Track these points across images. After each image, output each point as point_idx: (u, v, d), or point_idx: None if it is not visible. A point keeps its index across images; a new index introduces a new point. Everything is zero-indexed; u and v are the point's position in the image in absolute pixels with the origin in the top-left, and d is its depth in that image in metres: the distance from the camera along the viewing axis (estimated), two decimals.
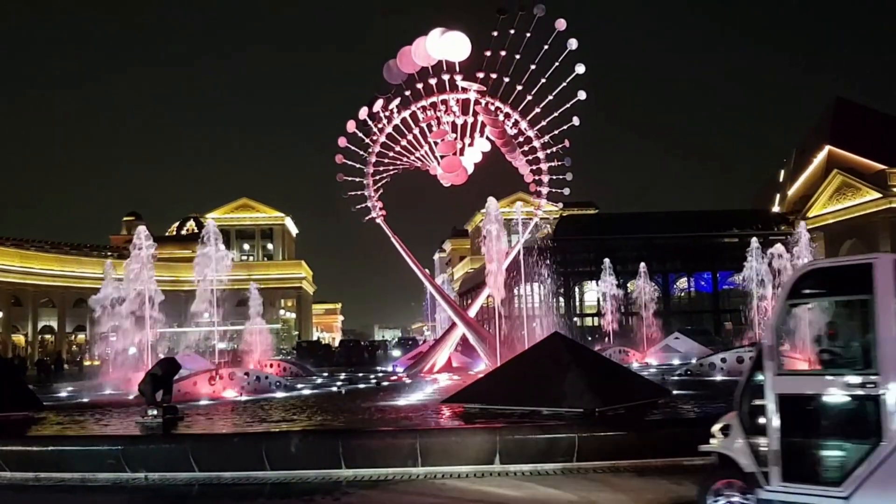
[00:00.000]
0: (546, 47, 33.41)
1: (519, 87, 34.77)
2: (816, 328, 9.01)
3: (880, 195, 69.99)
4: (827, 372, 8.08)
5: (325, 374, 37.90)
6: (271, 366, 36.47)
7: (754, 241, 38.38)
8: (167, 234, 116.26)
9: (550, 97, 34.91)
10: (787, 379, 8.09)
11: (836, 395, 7.81)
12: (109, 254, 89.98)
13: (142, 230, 30.65)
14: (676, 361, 35.61)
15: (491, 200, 32.81)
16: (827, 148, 78.65)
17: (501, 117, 35.41)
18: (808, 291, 8.48)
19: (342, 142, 37.38)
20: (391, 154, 37.49)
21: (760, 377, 8.15)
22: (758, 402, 8.14)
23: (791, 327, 8.51)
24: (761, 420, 8.04)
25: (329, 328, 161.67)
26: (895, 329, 7.47)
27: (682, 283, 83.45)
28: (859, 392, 7.55)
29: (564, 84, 34.34)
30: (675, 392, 21.02)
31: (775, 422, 7.89)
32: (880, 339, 7.50)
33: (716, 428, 8.72)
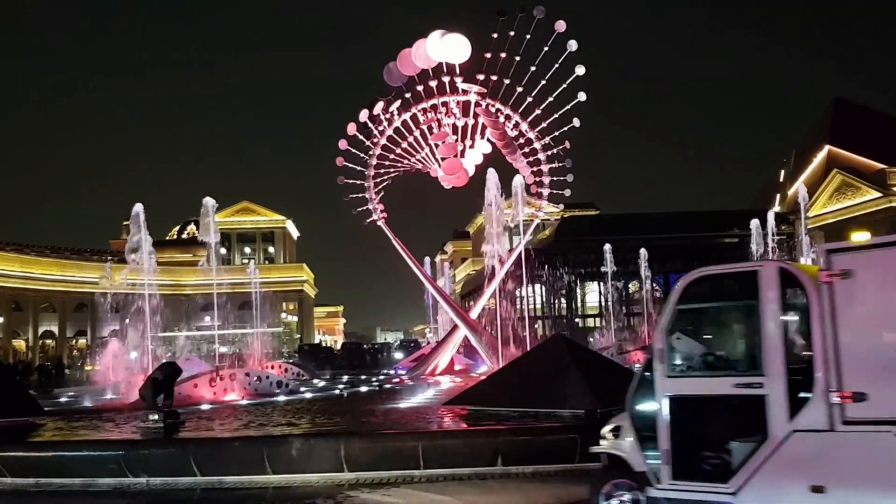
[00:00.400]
0: (546, 49, 33.43)
1: (519, 89, 34.78)
2: (705, 332, 9.31)
3: (880, 194, 70.02)
4: (715, 374, 8.39)
5: (328, 377, 37.88)
6: (272, 367, 36.46)
7: (754, 223, 38.32)
8: (168, 238, 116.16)
9: (551, 98, 34.92)
10: (677, 381, 8.35)
11: (724, 395, 8.11)
12: (110, 258, 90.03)
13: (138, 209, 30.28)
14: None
15: (491, 172, 33.05)
16: (827, 147, 78.65)
17: (502, 119, 35.40)
18: (696, 296, 8.75)
19: (343, 144, 37.37)
20: (392, 156, 37.48)
21: (651, 379, 8.42)
22: (648, 403, 8.42)
23: (680, 331, 8.70)
24: (652, 421, 8.29)
25: (331, 331, 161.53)
26: (780, 333, 7.76)
27: None
28: (746, 393, 7.82)
29: (565, 85, 34.36)
30: None
31: (665, 422, 8.17)
32: (766, 343, 7.79)
33: (606, 430, 9.00)
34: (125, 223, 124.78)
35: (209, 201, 30.48)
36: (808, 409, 7.49)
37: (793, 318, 8.08)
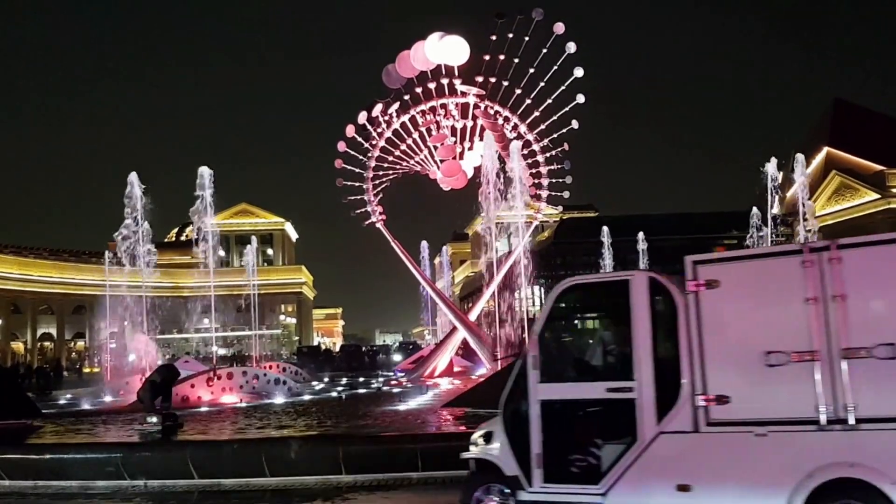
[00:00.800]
0: (545, 51, 33.47)
1: (518, 91, 34.81)
2: (578, 338, 9.75)
3: (879, 196, 70.06)
4: (588, 379, 8.83)
5: (326, 380, 37.86)
6: (269, 367, 36.45)
7: (755, 210, 38.42)
8: (166, 239, 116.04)
9: (549, 100, 34.95)
10: (550, 386, 8.55)
11: (595, 400, 8.46)
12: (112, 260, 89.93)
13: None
14: None
15: (488, 135, 33.02)
16: (825, 149, 78.64)
17: (501, 121, 35.42)
18: (569, 305, 9.17)
19: (341, 146, 37.37)
20: (391, 158, 37.48)
21: (524, 385, 8.58)
22: (521, 408, 8.57)
23: (553, 338, 9.04)
24: (524, 425, 8.47)
25: (330, 333, 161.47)
26: (649, 340, 8.12)
27: None
28: (617, 397, 8.15)
29: (563, 87, 34.40)
30: None
31: (538, 427, 8.39)
32: (636, 349, 8.14)
33: (476, 436, 9.16)
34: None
35: (205, 170, 30.48)
36: (675, 412, 7.89)
37: (662, 325, 8.33)
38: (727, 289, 7.87)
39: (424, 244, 61.73)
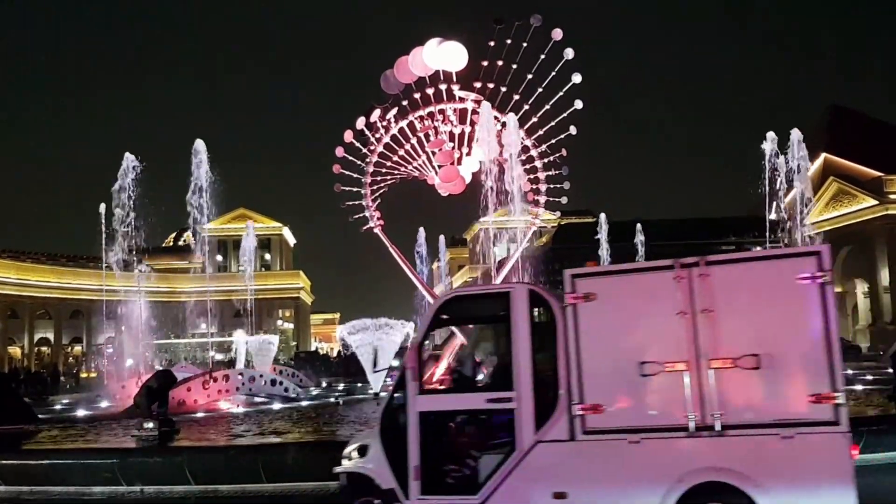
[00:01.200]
0: (543, 57, 33.51)
1: (516, 97, 34.85)
2: (458, 350, 9.81)
3: (877, 202, 70.02)
4: (468, 390, 9.08)
5: (324, 385, 37.78)
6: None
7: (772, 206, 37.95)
8: (164, 245, 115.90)
9: (547, 106, 34.99)
10: (429, 398, 8.66)
11: (475, 411, 8.72)
12: (106, 266, 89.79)
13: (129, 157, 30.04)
14: None
15: (485, 104, 33.02)
16: (823, 155, 78.62)
17: (499, 127, 35.44)
18: (450, 316, 9.27)
19: (339, 152, 37.36)
20: (389, 164, 37.48)
21: (402, 396, 8.65)
22: (399, 420, 8.64)
23: (434, 349, 9.29)
24: (402, 437, 8.50)
25: (328, 338, 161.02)
26: (529, 351, 8.32)
27: None
28: (497, 407, 8.37)
29: (561, 93, 34.44)
30: None
31: (416, 438, 8.44)
32: (516, 360, 8.32)
33: (349, 449, 9.20)
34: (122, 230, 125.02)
35: (199, 144, 30.46)
36: (553, 422, 8.13)
37: (541, 336, 8.53)
38: (604, 301, 8.16)
39: (421, 231, 61.12)
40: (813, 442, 7.51)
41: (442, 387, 9.23)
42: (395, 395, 8.85)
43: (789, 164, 33.63)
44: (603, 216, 51.78)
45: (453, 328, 9.77)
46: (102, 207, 31.42)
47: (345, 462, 9.17)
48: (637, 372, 7.88)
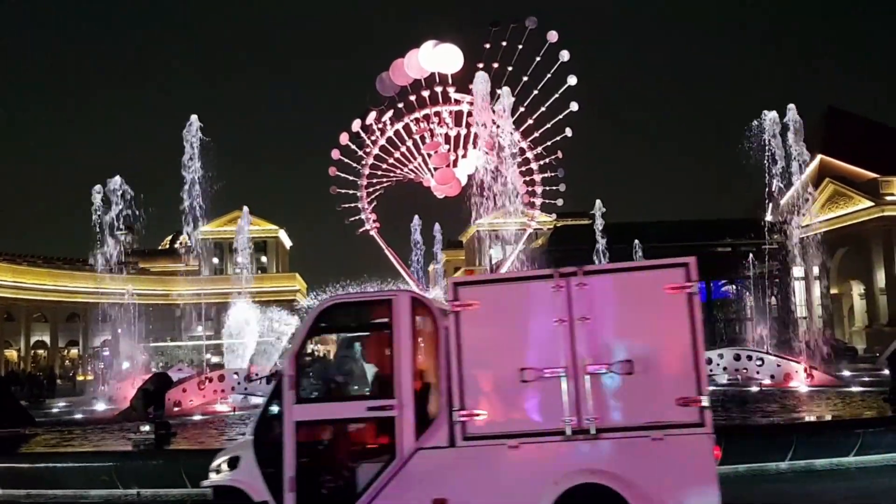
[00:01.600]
0: (538, 59, 33.57)
1: (512, 99, 34.86)
2: (339, 358, 9.71)
3: (873, 203, 70.12)
4: (348, 398, 9.10)
5: None
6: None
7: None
8: (160, 247, 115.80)
9: (543, 108, 35.04)
10: (307, 407, 8.61)
11: (355, 420, 8.73)
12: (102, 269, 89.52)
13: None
14: None
15: (480, 74, 33.09)
16: (819, 157, 78.79)
17: (494, 129, 35.47)
18: (330, 323, 9.18)
19: (336, 154, 37.40)
20: (385, 166, 37.52)
21: (279, 406, 8.55)
22: (275, 430, 8.50)
23: (312, 357, 9.23)
24: (278, 448, 8.36)
25: (323, 341, 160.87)
26: (410, 358, 8.43)
27: None
28: (377, 415, 8.40)
29: (557, 95, 34.49)
30: None
31: (292, 449, 8.34)
32: (397, 368, 8.39)
33: (218, 462, 9.02)
34: (117, 232, 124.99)
35: (193, 118, 30.41)
36: (433, 429, 8.26)
37: (423, 344, 8.71)
38: (486, 310, 8.30)
39: (416, 220, 60.79)
40: (680, 443, 7.88)
41: (321, 395, 9.09)
42: (271, 404, 8.73)
43: (788, 150, 33.15)
44: (599, 205, 51.35)
45: (335, 335, 9.64)
46: (97, 199, 31.22)
47: (213, 475, 9.01)
48: (517, 378, 8.05)
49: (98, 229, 30.15)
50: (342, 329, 9.57)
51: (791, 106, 35.30)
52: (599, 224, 51.06)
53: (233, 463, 8.81)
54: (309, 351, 9.12)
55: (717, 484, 7.86)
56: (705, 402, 7.92)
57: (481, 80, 33.05)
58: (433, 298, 8.97)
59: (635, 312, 8.27)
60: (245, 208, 40.07)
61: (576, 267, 8.29)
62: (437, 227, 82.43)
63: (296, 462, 8.31)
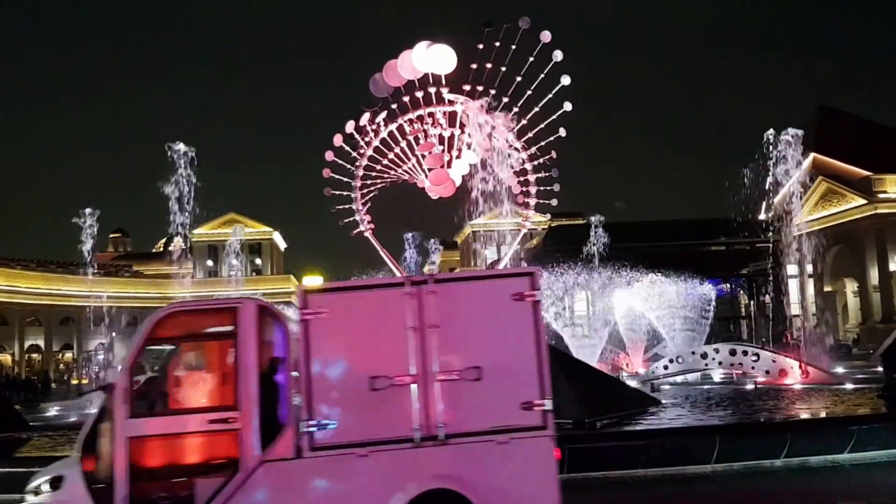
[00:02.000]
0: (532, 59, 33.54)
1: (505, 100, 34.85)
2: (179, 369, 9.09)
3: (865, 201, 70.36)
4: (188, 412, 8.55)
5: None
6: None
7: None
8: (154, 250, 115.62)
9: (537, 109, 35.00)
10: (142, 421, 8.19)
11: (195, 433, 8.27)
12: (96, 272, 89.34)
13: None
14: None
15: (472, 106, 33.12)
16: (812, 155, 78.98)
17: (488, 129, 35.45)
18: (168, 333, 8.72)
19: (329, 156, 37.29)
20: (379, 167, 37.45)
21: (110, 421, 8.09)
22: (105, 447, 8.05)
23: (148, 369, 8.96)
24: (108, 466, 7.92)
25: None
26: (256, 368, 8.22)
27: None
28: (220, 428, 8.10)
29: (550, 95, 34.47)
30: (664, 401, 21.03)
31: (124, 466, 7.90)
32: (241, 378, 8.19)
33: (38, 482, 8.45)
34: (111, 236, 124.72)
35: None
36: (279, 440, 8.11)
37: (270, 353, 8.48)
38: (336, 318, 8.24)
39: (408, 236, 60.77)
40: (524, 446, 8.09)
41: (157, 409, 8.63)
42: (101, 418, 8.23)
43: (781, 164, 33.57)
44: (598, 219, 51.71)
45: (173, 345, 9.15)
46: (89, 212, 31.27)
47: (30, 498, 8.45)
48: (367, 387, 8.03)
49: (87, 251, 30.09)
50: (182, 338, 8.88)
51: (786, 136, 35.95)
52: (599, 236, 51.02)
53: (55, 483, 8.25)
54: (144, 362, 8.86)
55: (558, 484, 8.12)
56: (547, 405, 8.16)
57: (474, 112, 33.20)
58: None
59: (484, 320, 8.38)
60: (237, 226, 39.73)
61: (426, 275, 8.46)
62: (432, 241, 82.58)
63: (128, 481, 7.85)
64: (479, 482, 7.94)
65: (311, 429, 8.04)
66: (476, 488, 7.90)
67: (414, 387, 8.12)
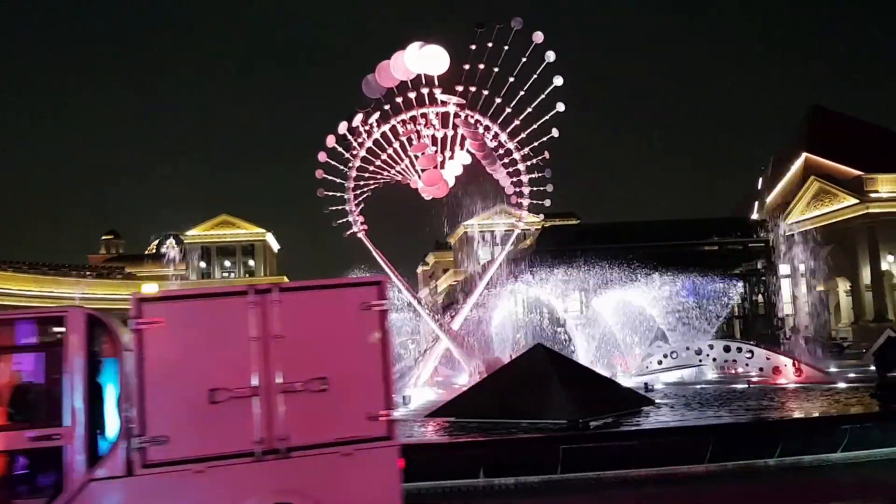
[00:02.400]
0: (524, 60, 33.56)
1: (498, 100, 34.85)
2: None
3: (857, 201, 70.51)
4: (5, 429, 8.02)
5: None
6: None
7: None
8: (146, 252, 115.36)
9: (529, 109, 35.02)
10: None
11: (13, 451, 7.80)
12: (88, 274, 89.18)
13: None
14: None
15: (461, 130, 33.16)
16: (804, 155, 79.21)
17: (481, 130, 35.44)
18: None
19: (322, 157, 37.28)
20: (372, 168, 37.42)
21: None
22: None
23: None
24: None
25: None
26: (84, 381, 7.74)
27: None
28: (42, 445, 7.61)
29: (543, 96, 34.49)
30: (658, 401, 21.04)
31: None
32: (67, 391, 7.70)
33: None
34: (103, 238, 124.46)
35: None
36: (109, 457, 7.68)
37: (100, 365, 8.13)
38: (173, 328, 7.83)
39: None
40: (369, 457, 8.01)
41: None
42: None
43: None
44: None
45: None
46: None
47: None
48: (206, 400, 7.69)
49: None
50: (6, 349, 8.42)
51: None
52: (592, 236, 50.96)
53: None
54: None
55: (401, 493, 8.10)
56: (393, 416, 8.16)
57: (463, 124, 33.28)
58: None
59: (329, 330, 8.25)
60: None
61: (270, 284, 8.20)
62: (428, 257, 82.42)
63: None
64: (323, 495, 7.83)
65: (144, 444, 7.60)
66: (320, 502, 7.78)
67: (255, 399, 7.83)
